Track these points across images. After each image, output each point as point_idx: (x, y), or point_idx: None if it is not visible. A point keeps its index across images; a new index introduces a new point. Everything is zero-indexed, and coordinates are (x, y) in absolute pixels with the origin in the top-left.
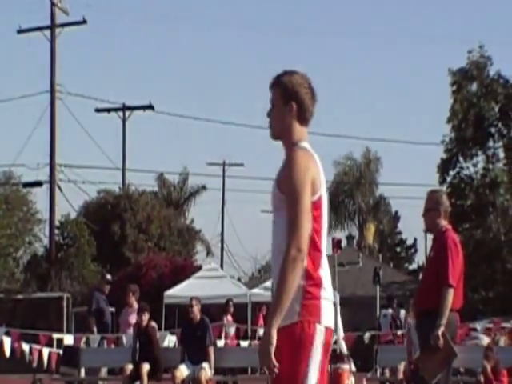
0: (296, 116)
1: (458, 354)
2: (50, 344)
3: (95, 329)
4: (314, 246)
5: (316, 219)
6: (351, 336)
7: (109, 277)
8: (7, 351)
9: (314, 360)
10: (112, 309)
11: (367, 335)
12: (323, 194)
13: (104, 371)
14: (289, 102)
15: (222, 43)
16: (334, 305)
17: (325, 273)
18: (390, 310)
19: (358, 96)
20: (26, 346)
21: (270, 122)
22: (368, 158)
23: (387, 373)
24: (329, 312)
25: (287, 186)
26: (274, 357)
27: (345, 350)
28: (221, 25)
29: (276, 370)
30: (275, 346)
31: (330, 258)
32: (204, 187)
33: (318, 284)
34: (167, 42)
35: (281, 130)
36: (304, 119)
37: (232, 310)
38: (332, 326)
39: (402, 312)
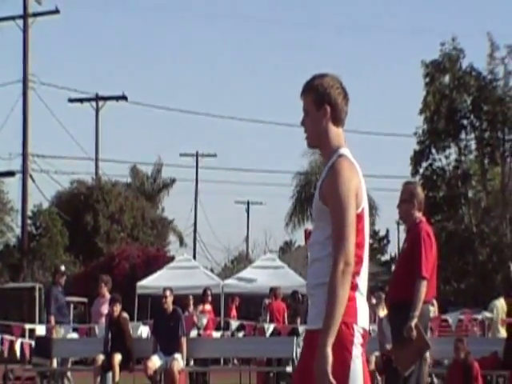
0: (331, 119)
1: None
2: (22, 334)
3: (55, 324)
4: (357, 259)
5: (358, 232)
6: None
7: (63, 268)
8: None
9: (357, 359)
10: (84, 299)
11: None
12: (365, 205)
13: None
14: (322, 105)
15: (195, 33)
16: (303, 295)
17: (363, 280)
18: None
19: None
20: None
21: (305, 131)
22: None
23: None
24: (365, 313)
25: (332, 199)
26: (331, 376)
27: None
28: (193, 13)
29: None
30: (312, 347)
31: (302, 249)
32: (174, 180)
33: (354, 288)
34: (140, 32)
35: (318, 137)
36: (339, 120)
37: (210, 299)
38: (367, 327)
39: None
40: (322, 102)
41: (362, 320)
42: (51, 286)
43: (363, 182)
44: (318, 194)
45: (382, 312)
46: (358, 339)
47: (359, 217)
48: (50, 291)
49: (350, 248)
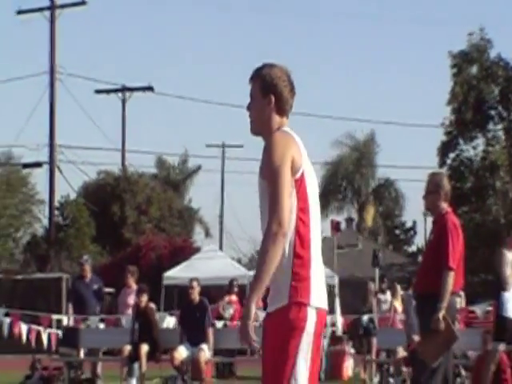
0: (275, 108)
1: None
2: (49, 325)
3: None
4: (302, 225)
5: (301, 197)
6: (349, 318)
7: (85, 257)
8: (5, 332)
9: (304, 344)
10: (111, 290)
11: (365, 318)
12: (306, 170)
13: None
14: (268, 94)
15: (222, 24)
16: (330, 286)
17: (315, 252)
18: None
19: (360, 78)
20: (24, 327)
21: (249, 116)
22: (369, 139)
23: (383, 355)
24: (319, 292)
25: (267, 169)
26: (252, 332)
27: (341, 332)
28: (220, 5)
29: (255, 344)
30: (266, 330)
31: (329, 240)
32: (200, 167)
33: (307, 264)
34: (168, 23)
35: (261, 123)
36: (283, 111)
37: (236, 289)
38: (324, 306)
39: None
40: (267, 91)
41: (316, 300)
42: (75, 280)
43: (303, 150)
44: (259, 172)
45: (398, 303)
46: (309, 320)
47: (299, 181)
48: (73, 286)
49: (284, 211)
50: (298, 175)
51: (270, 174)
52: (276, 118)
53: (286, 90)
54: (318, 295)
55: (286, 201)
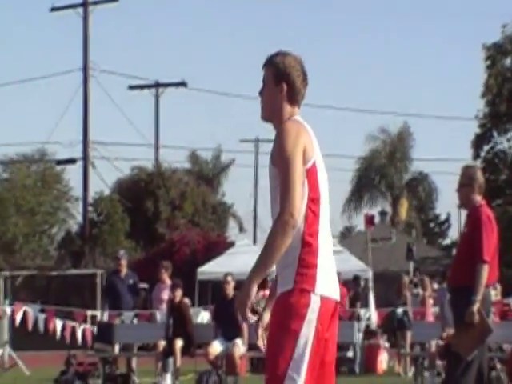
0: (287, 97)
1: (494, 330)
2: (84, 320)
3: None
4: (312, 214)
5: (312, 187)
6: (384, 312)
7: (121, 252)
8: (41, 328)
9: (304, 331)
10: (145, 285)
11: (400, 311)
12: (317, 160)
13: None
14: (280, 82)
15: (256, 19)
16: (364, 280)
17: (324, 241)
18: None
19: (392, 71)
20: (59, 323)
21: (261, 102)
22: (403, 132)
23: (418, 348)
24: (326, 281)
25: (278, 158)
26: (248, 310)
27: (375, 325)
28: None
29: (250, 320)
30: (271, 314)
31: (362, 234)
32: (233, 161)
33: (315, 252)
34: (200, 18)
35: (271, 110)
36: (295, 101)
37: (270, 284)
38: (331, 295)
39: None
40: (280, 79)
41: (322, 288)
42: (110, 274)
43: (314, 140)
44: (270, 160)
45: (429, 296)
46: (313, 308)
47: (311, 171)
48: (109, 281)
49: (296, 201)
50: (310, 165)
51: (281, 162)
52: (287, 107)
53: (299, 79)
54: (325, 284)
55: (297, 190)
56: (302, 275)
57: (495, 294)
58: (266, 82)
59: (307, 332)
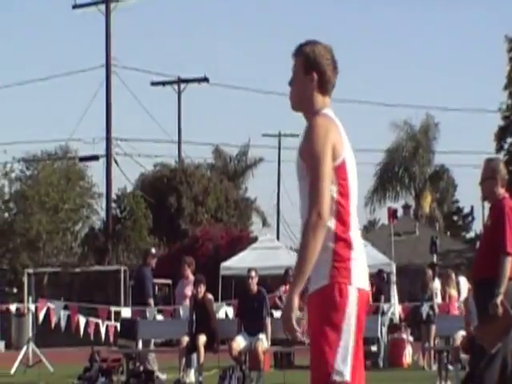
0: (317, 86)
1: None
2: (107, 317)
3: (152, 302)
4: (342, 209)
5: (341, 183)
6: (407, 306)
7: (153, 250)
8: (63, 324)
9: (348, 321)
10: (168, 281)
11: (426, 305)
12: (347, 156)
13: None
14: (310, 71)
15: (276, 13)
16: (388, 274)
17: (355, 234)
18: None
19: (415, 64)
20: (82, 320)
21: (290, 92)
22: (427, 124)
23: (439, 342)
24: (361, 273)
25: (307, 154)
26: (295, 323)
27: (398, 319)
28: None
29: (299, 335)
30: (309, 311)
31: (386, 227)
32: (261, 159)
33: (348, 246)
34: (222, 13)
35: (302, 100)
36: (325, 90)
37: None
38: (365, 287)
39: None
40: (310, 68)
41: (358, 280)
42: (142, 266)
43: (344, 136)
44: (298, 153)
45: (453, 290)
46: (352, 299)
47: (341, 167)
48: (144, 273)
49: (324, 201)
50: (340, 161)
51: (310, 159)
52: (318, 97)
53: (329, 68)
54: (360, 276)
55: (326, 190)
56: (337, 269)
57: None
58: (296, 71)
59: (349, 324)
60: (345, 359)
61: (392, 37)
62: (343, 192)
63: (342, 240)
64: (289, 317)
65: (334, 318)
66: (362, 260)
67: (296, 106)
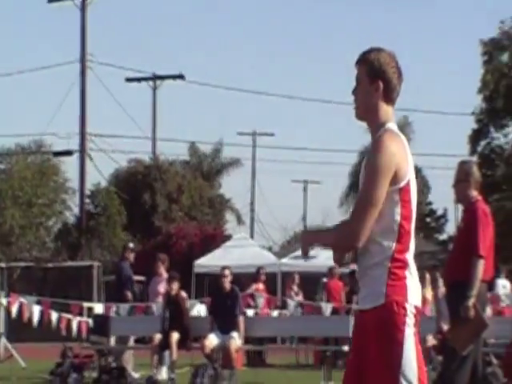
0: (383, 95)
1: (489, 325)
2: (80, 313)
3: (131, 296)
4: (404, 231)
5: (404, 205)
6: None
7: (131, 245)
8: (35, 320)
9: (409, 339)
10: (141, 278)
11: None
12: (411, 178)
13: (131, 340)
14: (375, 80)
15: (252, 12)
16: (353, 272)
17: (412, 256)
18: None
19: None
20: (54, 315)
21: (354, 101)
22: (401, 126)
23: None
24: (416, 291)
25: (368, 170)
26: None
27: None
28: None
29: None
30: (364, 329)
31: None
32: (237, 160)
33: (404, 266)
34: (198, 11)
35: (366, 110)
36: (390, 99)
37: (263, 278)
38: (419, 305)
39: None
40: (376, 77)
41: (414, 298)
42: (120, 261)
43: (410, 156)
44: (363, 167)
45: (427, 292)
46: (410, 318)
47: (405, 190)
48: (120, 267)
49: (361, 226)
50: (404, 183)
51: (367, 177)
52: (383, 106)
53: (395, 76)
54: (414, 293)
55: (368, 218)
56: (393, 287)
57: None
58: (360, 80)
59: (411, 344)
60: (410, 379)
61: (369, 38)
62: (406, 215)
63: (399, 261)
64: (309, 242)
65: (395, 338)
66: (416, 279)
67: (361, 116)
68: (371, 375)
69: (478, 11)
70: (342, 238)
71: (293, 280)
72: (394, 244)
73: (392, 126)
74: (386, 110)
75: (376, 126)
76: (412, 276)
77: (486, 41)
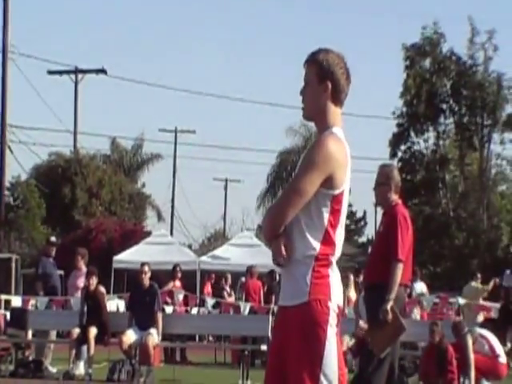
0: (331, 96)
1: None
2: None
3: (41, 293)
4: (329, 237)
5: (334, 213)
6: None
7: (53, 239)
8: None
9: (331, 339)
10: (61, 272)
11: None
12: (346, 190)
13: (53, 334)
14: (324, 81)
15: (178, 7)
16: (279, 274)
17: (335, 258)
18: None
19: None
20: None
21: (302, 102)
22: None
23: None
24: (338, 290)
25: (302, 163)
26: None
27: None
28: None
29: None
30: (286, 326)
31: None
32: (158, 155)
33: (327, 265)
34: (121, 6)
35: (314, 110)
36: (339, 100)
37: (179, 275)
38: (341, 304)
39: None
40: (324, 78)
41: (336, 297)
42: (41, 255)
43: (349, 167)
44: (300, 162)
45: (352, 292)
46: (333, 318)
47: (337, 199)
48: (40, 260)
49: (278, 214)
50: (338, 192)
51: (300, 169)
52: (331, 107)
53: (343, 77)
54: (337, 292)
55: (290, 204)
56: (317, 285)
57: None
58: (309, 80)
59: (333, 344)
60: (332, 368)
61: (295, 39)
62: (333, 223)
63: (321, 260)
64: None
65: (317, 335)
66: (339, 280)
67: (309, 116)
68: (292, 374)
69: (402, 15)
70: (263, 222)
71: (225, 280)
72: (319, 244)
73: (337, 130)
74: (334, 112)
75: (323, 128)
76: (335, 275)
77: (408, 46)
